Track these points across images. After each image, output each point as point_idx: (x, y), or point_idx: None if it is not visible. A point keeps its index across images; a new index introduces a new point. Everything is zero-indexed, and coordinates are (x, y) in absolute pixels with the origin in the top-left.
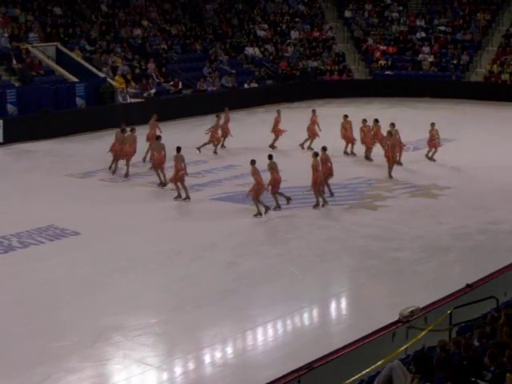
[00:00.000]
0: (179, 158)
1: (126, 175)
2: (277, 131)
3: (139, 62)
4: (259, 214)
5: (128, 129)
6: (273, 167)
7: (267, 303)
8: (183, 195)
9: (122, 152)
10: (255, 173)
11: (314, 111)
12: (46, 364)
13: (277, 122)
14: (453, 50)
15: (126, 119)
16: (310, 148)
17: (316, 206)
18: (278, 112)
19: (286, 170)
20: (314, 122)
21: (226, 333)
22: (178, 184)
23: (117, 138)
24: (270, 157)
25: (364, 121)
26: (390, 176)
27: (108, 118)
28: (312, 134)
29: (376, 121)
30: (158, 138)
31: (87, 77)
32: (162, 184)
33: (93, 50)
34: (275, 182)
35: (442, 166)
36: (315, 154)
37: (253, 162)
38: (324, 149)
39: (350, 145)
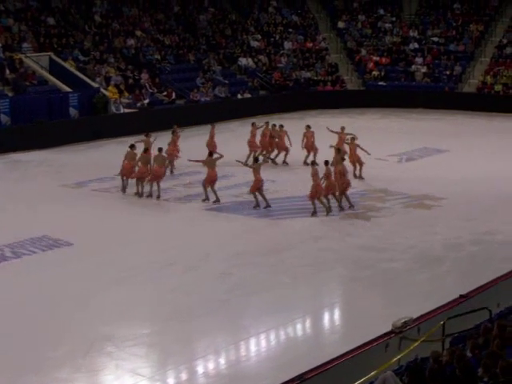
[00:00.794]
0: (258, 168)
1: (159, 197)
2: (212, 146)
3: (132, 72)
4: (328, 211)
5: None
6: (330, 172)
7: (260, 314)
8: (262, 204)
9: (147, 174)
10: (315, 174)
11: (253, 124)
12: (39, 374)
13: (211, 135)
14: (446, 60)
15: (119, 130)
16: (246, 164)
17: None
18: (212, 125)
19: (283, 182)
20: (253, 135)
21: (219, 343)
22: (257, 193)
23: (131, 159)
24: (326, 163)
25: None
26: (361, 177)
27: (101, 128)
28: (253, 148)
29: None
30: (211, 154)
31: (80, 87)
32: (205, 199)
33: (86, 60)
34: (332, 186)
35: (435, 176)
36: (342, 159)
37: (313, 164)
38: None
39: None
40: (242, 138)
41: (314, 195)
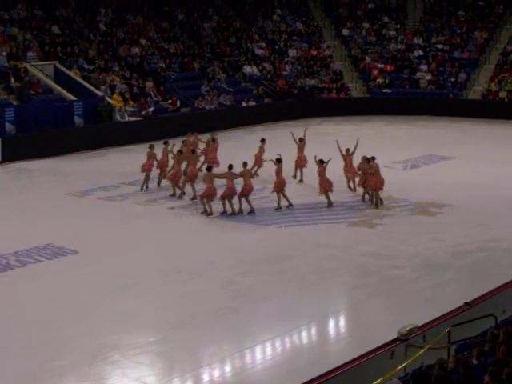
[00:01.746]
0: (323, 173)
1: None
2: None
3: (137, 80)
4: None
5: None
6: (377, 169)
7: (266, 321)
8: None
9: (235, 191)
10: (377, 170)
11: (213, 139)
12: (44, 383)
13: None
14: (450, 68)
15: (124, 138)
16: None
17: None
18: (166, 144)
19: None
20: (215, 149)
21: (225, 351)
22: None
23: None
24: (373, 158)
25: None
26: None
27: (106, 136)
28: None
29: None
30: (279, 160)
31: (85, 95)
32: (291, 205)
33: (91, 69)
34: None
35: (440, 184)
36: (373, 159)
37: (373, 159)
38: (373, 158)
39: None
40: (247, 147)
41: (379, 188)
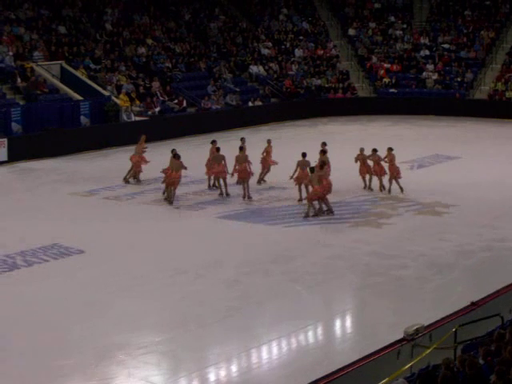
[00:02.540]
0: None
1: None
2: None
3: (144, 80)
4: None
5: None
6: (393, 159)
7: (271, 321)
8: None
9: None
10: (392, 160)
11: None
12: (51, 383)
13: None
14: (457, 67)
15: (131, 137)
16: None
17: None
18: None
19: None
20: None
21: (231, 351)
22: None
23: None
24: (391, 149)
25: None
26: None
27: (112, 136)
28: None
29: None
30: (304, 155)
31: (92, 95)
32: (300, 200)
33: (97, 69)
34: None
35: (447, 183)
36: (390, 149)
37: (391, 149)
38: (391, 149)
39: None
40: (253, 146)
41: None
